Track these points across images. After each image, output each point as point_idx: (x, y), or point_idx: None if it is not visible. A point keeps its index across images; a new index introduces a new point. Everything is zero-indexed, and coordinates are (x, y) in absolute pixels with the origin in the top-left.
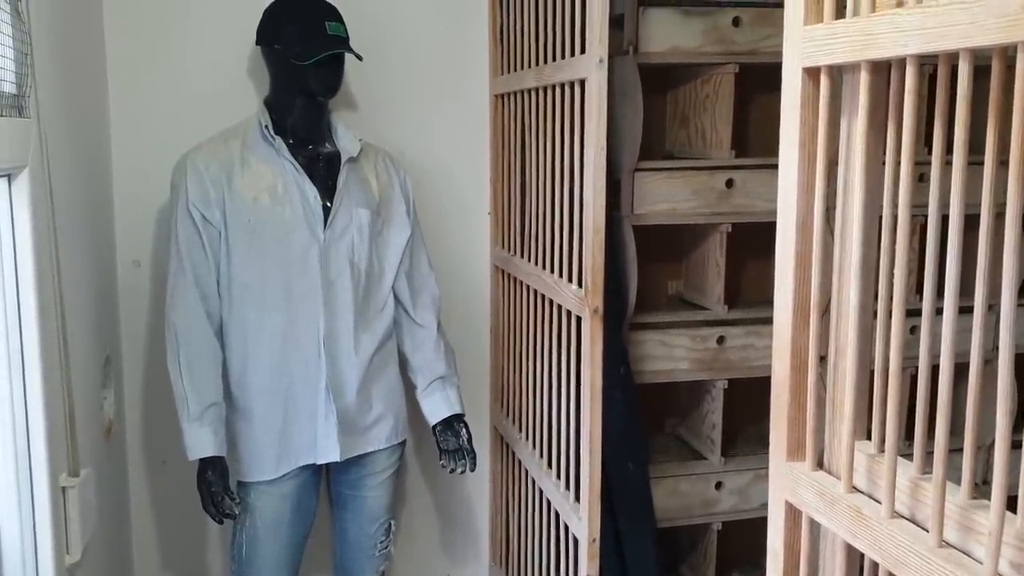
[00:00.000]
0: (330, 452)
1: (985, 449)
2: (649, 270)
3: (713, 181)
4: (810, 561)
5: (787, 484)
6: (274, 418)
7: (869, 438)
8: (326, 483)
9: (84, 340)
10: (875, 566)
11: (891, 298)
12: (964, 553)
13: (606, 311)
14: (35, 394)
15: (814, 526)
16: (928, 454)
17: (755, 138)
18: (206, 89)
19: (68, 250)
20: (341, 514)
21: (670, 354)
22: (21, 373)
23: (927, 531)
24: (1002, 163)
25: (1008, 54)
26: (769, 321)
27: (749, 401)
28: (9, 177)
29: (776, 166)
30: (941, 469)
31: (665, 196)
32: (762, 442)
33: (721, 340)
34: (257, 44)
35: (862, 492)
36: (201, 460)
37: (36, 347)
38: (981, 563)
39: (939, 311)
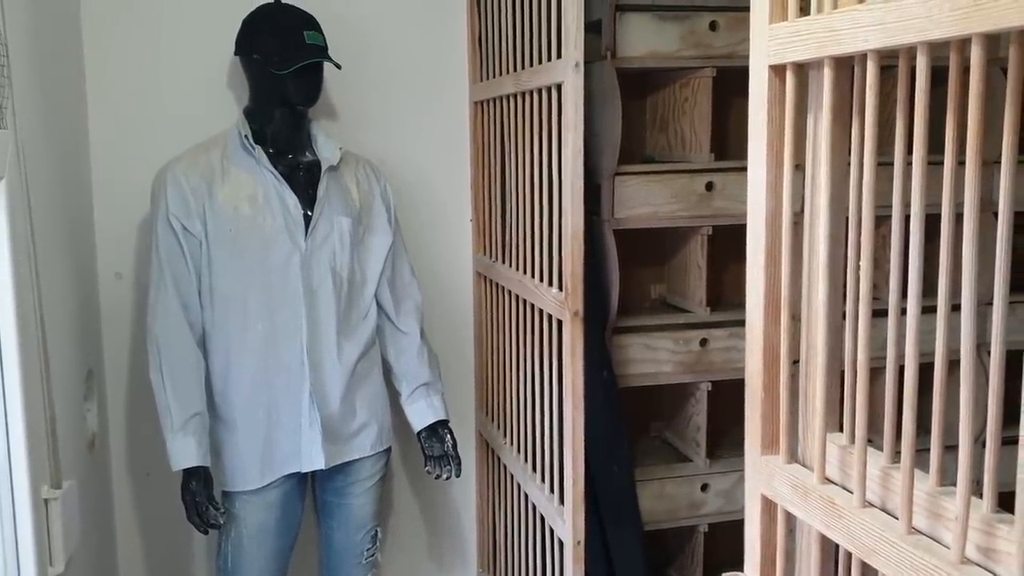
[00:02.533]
0: (315, 460)
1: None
2: (632, 274)
3: (693, 184)
4: (787, 553)
5: (762, 477)
6: (258, 427)
7: (841, 430)
8: (311, 491)
9: (66, 352)
10: (849, 556)
11: (859, 292)
12: (933, 539)
13: (588, 315)
14: (15, 406)
15: (790, 518)
16: (897, 452)
17: (734, 141)
18: (186, 100)
19: (48, 262)
20: (327, 522)
21: (654, 357)
22: (1, 386)
23: (897, 519)
24: (960, 163)
25: (964, 55)
26: None
27: (733, 403)
28: None
29: None
30: (909, 457)
31: (645, 200)
32: None
33: (704, 342)
34: (236, 54)
35: (835, 483)
36: (185, 470)
37: (16, 360)
38: (949, 548)
39: (904, 312)
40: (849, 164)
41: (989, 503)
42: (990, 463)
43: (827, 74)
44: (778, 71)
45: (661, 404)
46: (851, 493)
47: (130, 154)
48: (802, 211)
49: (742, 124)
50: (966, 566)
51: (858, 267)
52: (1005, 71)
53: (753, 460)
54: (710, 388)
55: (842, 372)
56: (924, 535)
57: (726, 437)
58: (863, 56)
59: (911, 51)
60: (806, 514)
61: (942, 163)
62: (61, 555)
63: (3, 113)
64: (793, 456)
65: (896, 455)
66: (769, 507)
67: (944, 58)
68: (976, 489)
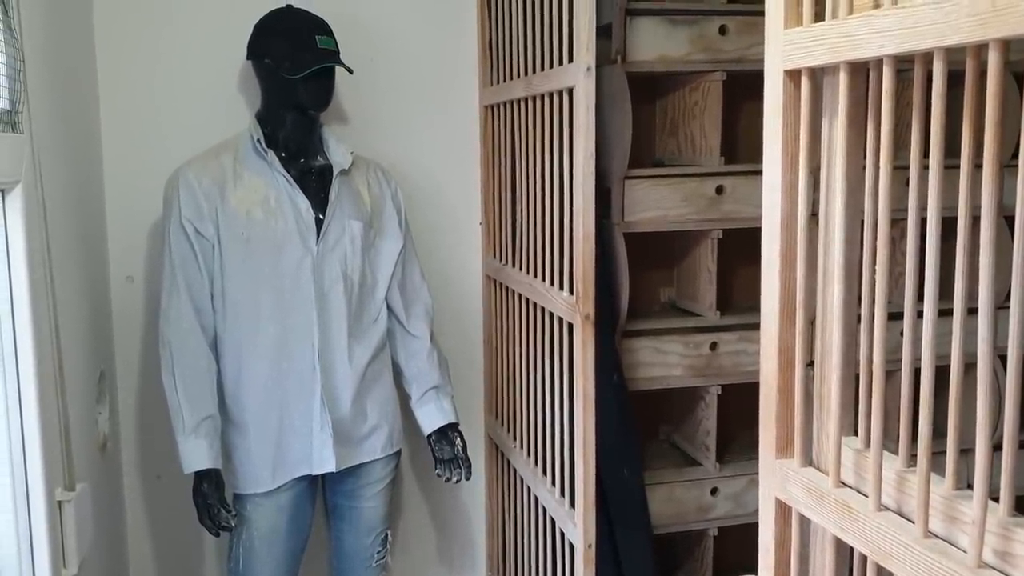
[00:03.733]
0: (326, 463)
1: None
2: (641, 278)
3: (703, 188)
4: (801, 556)
5: (776, 481)
6: (269, 430)
7: (856, 434)
8: (322, 494)
9: (78, 355)
10: (864, 559)
11: (875, 295)
12: (949, 543)
13: (598, 318)
14: (30, 409)
15: (804, 522)
16: (912, 456)
17: (744, 145)
18: (198, 103)
19: (61, 266)
20: (337, 525)
21: (663, 361)
22: (16, 388)
23: (913, 522)
24: (977, 166)
25: (981, 58)
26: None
27: (743, 406)
28: (2, 193)
29: None
30: (925, 461)
31: (655, 203)
32: (756, 447)
33: (714, 346)
34: (248, 58)
35: (850, 487)
36: (196, 473)
37: (31, 362)
38: (965, 552)
39: (921, 313)
40: (864, 168)
41: (1006, 507)
42: (1007, 466)
43: (842, 79)
44: (793, 76)
45: (670, 408)
46: (866, 497)
47: (142, 158)
48: (816, 214)
49: (752, 128)
50: (983, 570)
51: (874, 270)
52: (1015, 75)
53: (767, 463)
54: (719, 392)
55: (856, 375)
56: (940, 539)
57: (735, 441)
58: (879, 61)
59: (927, 56)
60: (821, 517)
61: (957, 167)
62: (74, 557)
63: (19, 118)
64: (808, 459)
65: (912, 458)
66: (783, 510)
67: (955, 62)
68: (991, 493)
